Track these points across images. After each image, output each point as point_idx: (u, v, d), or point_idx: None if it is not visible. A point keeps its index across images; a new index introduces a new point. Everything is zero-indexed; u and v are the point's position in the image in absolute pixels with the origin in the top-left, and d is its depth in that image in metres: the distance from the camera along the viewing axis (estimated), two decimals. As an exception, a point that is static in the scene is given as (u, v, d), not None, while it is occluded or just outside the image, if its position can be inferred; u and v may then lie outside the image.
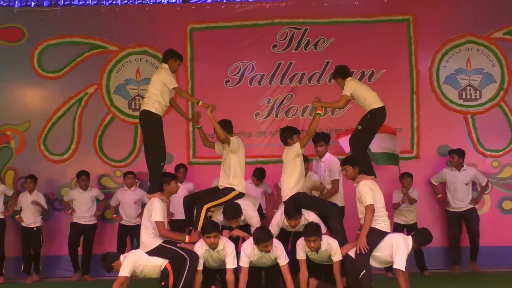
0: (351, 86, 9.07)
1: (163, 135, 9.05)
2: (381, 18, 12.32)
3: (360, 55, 12.16)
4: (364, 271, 8.33)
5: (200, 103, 9.08)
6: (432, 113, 12.16)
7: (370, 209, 8.48)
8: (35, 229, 11.84)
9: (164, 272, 8.58)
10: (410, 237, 8.64)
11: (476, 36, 12.25)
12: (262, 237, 8.49)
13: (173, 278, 8.50)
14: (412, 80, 12.20)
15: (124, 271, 8.54)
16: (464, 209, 11.58)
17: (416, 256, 11.11)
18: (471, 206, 11.60)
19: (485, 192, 11.81)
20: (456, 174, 11.55)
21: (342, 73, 9.29)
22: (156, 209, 8.70)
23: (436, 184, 11.76)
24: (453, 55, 12.26)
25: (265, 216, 10.30)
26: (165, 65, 9.18)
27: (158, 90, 8.96)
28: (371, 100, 8.96)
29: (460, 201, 11.56)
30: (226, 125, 9.45)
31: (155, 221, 8.65)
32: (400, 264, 8.33)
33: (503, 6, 12.28)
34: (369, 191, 8.56)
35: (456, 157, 11.53)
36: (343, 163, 9.03)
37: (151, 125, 9.01)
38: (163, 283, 8.58)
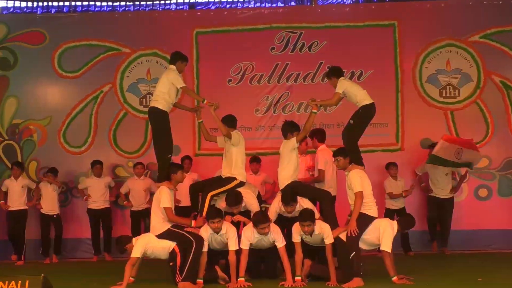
0: (343, 85, 9.01)
1: (170, 129, 9.01)
2: (369, 23, 12.31)
3: (350, 56, 12.15)
4: (354, 252, 8.29)
5: (205, 101, 9.05)
6: (415, 109, 12.17)
7: (359, 195, 8.45)
8: (55, 216, 11.85)
9: (172, 254, 8.55)
10: (395, 222, 8.62)
11: (455, 40, 12.24)
12: (260, 220, 8.47)
13: (180, 259, 8.47)
14: (397, 79, 12.21)
15: (136, 253, 8.50)
16: (444, 197, 11.58)
17: (402, 239, 11.10)
18: (450, 195, 11.61)
19: (463, 181, 11.77)
20: (437, 166, 11.50)
21: (335, 72, 9.21)
22: (164, 197, 8.66)
23: (420, 174, 11.74)
24: (434, 56, 12.25)
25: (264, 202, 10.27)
26: (173, 66, 9.13)
27: (166, 89, 8.94)
28: (361, 97, 8.91)
29: (441, 189, 11.55)
30: (231, 120, 9.40)
31: (164, 207, 8.62)
32: (386, 246, 8.31)
33: (479, 12, 12.30)
34: (358, 180, 8.53)
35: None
36: (335, 154, 8.96)
37: (159, 120, 8.98)
38: (171, 264, 8.56)
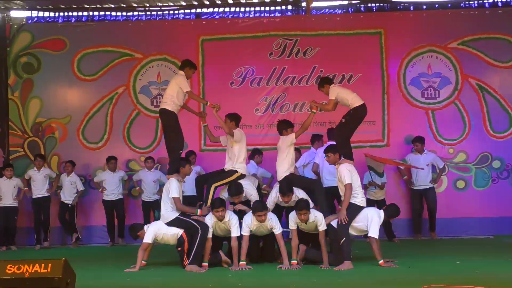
0: (335, 91, 9.03)
1: (180, 128, 8.99)
2: (358, 31, 12.25)
3: (341, 61, 12.11)
4: (344, 238, 8.28)
5: (208, 103, 9.09)
6: (399, 109, 12.11)
7: (349, 187, 8.43)
8: (70, 205, 11.82)
9: (180, 240, 8.54)
10: (382, 211, 8.60)
11: (435, 46, 12.17)
12: (258, 207, 8.50)
13: (187, 244, 8.49)
14: (383, 82, 12.15)
15: (147, 239, 8.51)
16: (424, 187, 11.55)
17: (384, 227, 11.06)
18: (431, 185, 11.57)
19: (443, 174, 11.74)
20: (419, 157, 11.51)
21: (326, 81, 9.27)
22: (173, 187, 8.65)
23: (402, 168, 11.70)
24: (416, 61, 12.18)
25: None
26: (181, 72, 9.12)
27: (174, 92, 8.93)
28: (352, 100, 8.91)
29: (422, 180, 11.51)
30: (236, 118, 9.36)
31: (173, 197, 8.60)
32: (374, 233, 8.32)
33: (457, 21, 12.24)
34: (347, 173, 8.52)
35: (419, 144, 11.51)
36: (326, 151, 8.97)
37: (168, 120, 8.97)
38: (179, 249, 8.56)
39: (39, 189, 11.81)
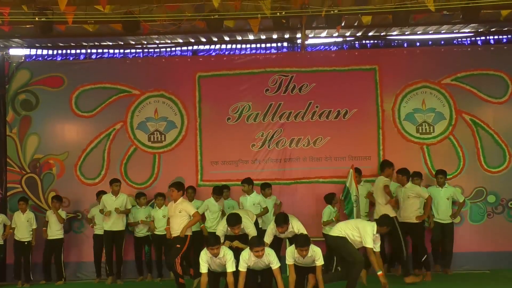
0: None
1: None
2: (353, 67, 12.37)
3: (336, 97, 12.23)
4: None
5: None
6: (394, 144, 12.18)
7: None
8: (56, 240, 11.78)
9: None
10: (374, 222, 8.92)
11: (429, 82, 12.29)
12: (254, 243, 8.63)
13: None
14: (378, 117, 12.24)
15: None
16: (444, 222, 11.42)
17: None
18: (450, 221, 11.48)
19: (463, 208, 11.70)
20: (439, 190, 11.47)
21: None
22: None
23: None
24: (411, 97, 12.29)
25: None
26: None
27: None
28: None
29: (442, 214, 11.41)
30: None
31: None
32: (368, 243, 8.60)
33: (451, 58, 12.38)
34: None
35: (442, 177, 11.51)
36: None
37: None
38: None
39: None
